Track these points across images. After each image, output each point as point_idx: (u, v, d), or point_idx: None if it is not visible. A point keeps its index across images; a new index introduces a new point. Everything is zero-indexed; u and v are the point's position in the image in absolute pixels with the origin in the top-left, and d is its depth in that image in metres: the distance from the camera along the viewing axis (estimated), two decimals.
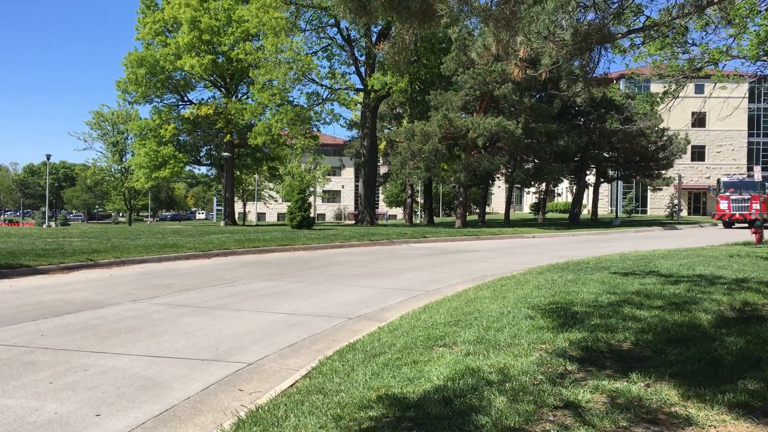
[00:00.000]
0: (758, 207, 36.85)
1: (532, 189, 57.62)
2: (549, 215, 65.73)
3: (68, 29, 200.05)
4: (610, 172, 51.33)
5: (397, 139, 40.24)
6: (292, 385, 5.81)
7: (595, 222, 48.75)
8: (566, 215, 60.22)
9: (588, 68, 10.44)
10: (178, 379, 6.32)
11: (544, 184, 53.81)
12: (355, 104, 44.50)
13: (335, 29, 40.70)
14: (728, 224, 40.14)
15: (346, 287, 13.01)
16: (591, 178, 53.34)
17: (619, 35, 10.82)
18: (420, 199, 67.51)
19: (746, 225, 37.89)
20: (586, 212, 62.15)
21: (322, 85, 41.26)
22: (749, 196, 38.66)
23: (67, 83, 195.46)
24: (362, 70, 41.29)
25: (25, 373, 6.35)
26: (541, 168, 40.61)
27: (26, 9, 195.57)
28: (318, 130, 46.79)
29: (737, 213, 39.28)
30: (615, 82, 42.53)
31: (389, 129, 53.00)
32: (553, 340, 6.62)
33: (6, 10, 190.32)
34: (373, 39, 39.28)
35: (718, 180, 42.54)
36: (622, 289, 10.08)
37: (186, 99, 52.13)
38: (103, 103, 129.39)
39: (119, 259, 15.88)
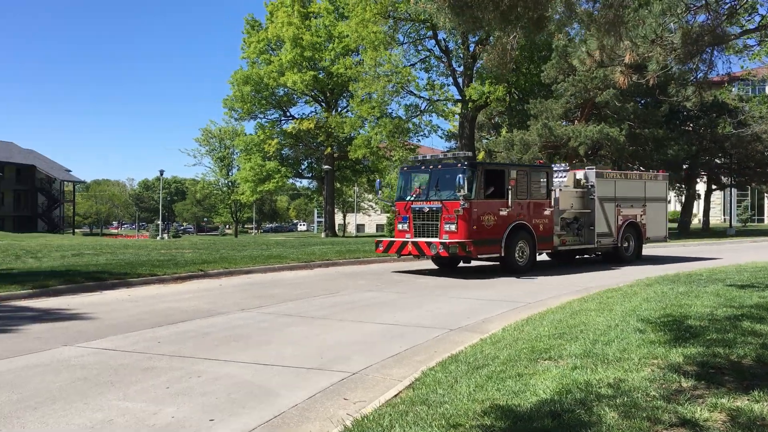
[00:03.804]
0: None
1: None
2: None
3: (179, 51, 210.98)
4: (723, 179, 48.73)
5: (495, 149, 39.84)
6: (395, 396, 5.84)
7: (707, 232, 46.40)
8: (675, 225, 57.66)
9: (700, 71, 9.97)
10: (285, 386, 6.49)
11: None
12: (453, 115, 44.43)
13: (433, 41, 40.88)
14: None
15: (447, 298, 12.98)
16: (701, 186, 50.81)
17: (733, 36, 10.30)
18: None
19: None
20: (696, 222, 59.25)
21: (420, 97, 41.50)
22: None
23: (179, 102, 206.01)
24: (460, 80, 41.20)
25: (144, 378, 6.70)
26: None
27: (144, 39, 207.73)
28: (417, 142, 47.04)
29: None
30: (727, 84, 40.40)
31: (487, 139, 52.55)
32: (666, 355, 6.35)
33: (124, 38, 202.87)
34: (471, 49, 39.16)
35: None
36: (739, 303, 9.54)
37: (288, 114, 53.72)
38: (211, 120, 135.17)
39: (227, 269, 16.50)
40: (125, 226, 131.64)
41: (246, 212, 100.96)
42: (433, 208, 16.87)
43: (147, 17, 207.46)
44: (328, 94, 50.53)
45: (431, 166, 17.68)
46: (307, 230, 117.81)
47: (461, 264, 18.56)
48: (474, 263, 18.57)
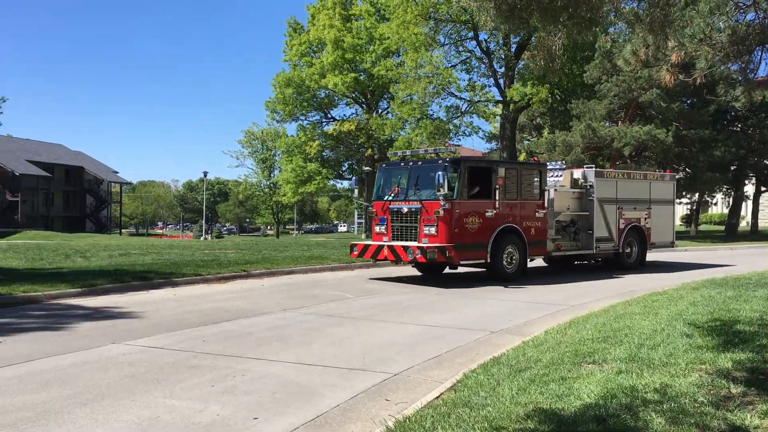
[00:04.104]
0: None
1: (684, 200, 54.33)
2: (702, 227, 61.65)
3: (223, 54, 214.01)
4: None
5: (537, 151, 39.47)
6: (437, 397, 5.84)
7: (756, 234, 45.17)
8: (721, 227, 56.22)
9: (749, 71, 9.74)
10: (327, 386, 6.54)
11: (696, 195, 50.63)
12: (494, 116, 44.13)
13: (474, 42, 40.67)
14: None
15: (489, 300, 12.92)
16: (750, 188, 49.49)
17: None
18: None
19: None
20: (744, 224, 57.74)
21: (461, 98, 41.31)
22: None
23: (222, 104, 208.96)
24: (501, 81, 40.90)
25: (190, 377, 6.82)
26: (694, 178, 38.27)
27: (189, 42, 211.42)
28: (458, 144, 46.89)
29: None
30: None
31: (529, 140, 52.09)
32: (715, 360, 6.22)
33: (170, 41, 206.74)
34: (512, 50, 38.86)
35: None
36: None
37: (329, 116, 54.04)
38: (253, 122, 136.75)
39: (269, 270, 16.68)
40: (170, 226, 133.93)
41: (287, 213, 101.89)
42: (412, 209, 15.47)
43: (191, 22, 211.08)
44: (369, 96, 50.69)
45: (411, 163, 16.34)
46: (347, 231, 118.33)
47: (447, 270, 17.12)
48: (462, 269, 16.70)
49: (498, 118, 43.46)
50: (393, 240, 15.83)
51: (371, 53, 46.00)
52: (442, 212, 14.73)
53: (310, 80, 47.42)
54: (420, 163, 16.15)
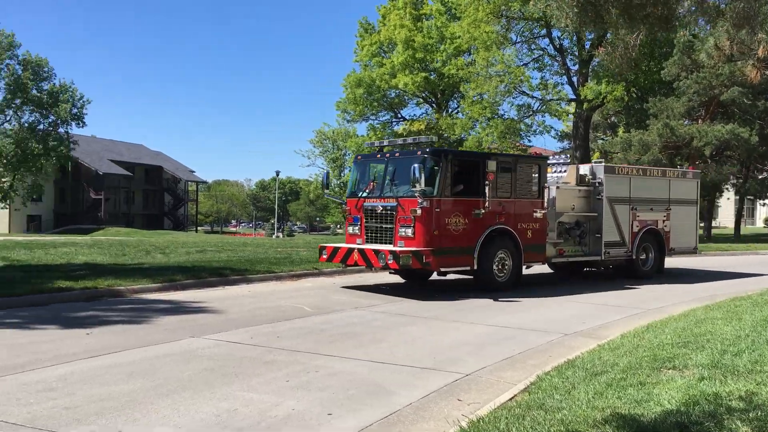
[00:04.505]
0: None
1: None
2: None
3: (293, 55, 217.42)
4: None
5: (612, 150, 38.51)
6: (511, 399, 5.79)
7: None
8: (724, 230, 53.59)
9: None
10: (399, 384, 6.58)
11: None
12: (567, 115, 43.32)
13: (546, 39, 40.04)
14: None
15: (564, 302, 12.72)
16: None
17: None
18: None
19: None
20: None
21: (532, 97, 40.73)
22: None
23: (294, 104, 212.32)
24: (574, 79, 40.13)
25: (266, 371, 6.97)
26: None
27: (260, 43, 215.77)
28: (528, 143, 46.23)
29: None
30: None
31: (603, 140, 50.89)
32: None
33: (242, 42, 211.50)
34: (586, 47, 38.06)
35: None
36: None
37: (399, 116, 54.19)
38: (324, 122, 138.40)
39: (340, 268, 16.85)
40: (243, 224, 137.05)
41: None
42: (387, 207, 13.50)
43: (264, 21, 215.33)
44: (439, 96, 50.58)
45: (389, 155, 14.28)
46: None
47: (435, 276, 14.79)
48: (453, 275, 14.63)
49: (571, 116, 42.68)
50: (367, 242, 13.87)
51: (442, 52, 45.87)
52: (419, 211, 12.75)
53: (381, 80, 47.67)
54: (397, 154, 14.12)
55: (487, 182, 13.42)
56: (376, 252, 12.92)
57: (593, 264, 16.94)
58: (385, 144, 15.08)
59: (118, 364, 7.13)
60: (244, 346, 8.15)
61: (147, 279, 13.28)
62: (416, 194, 12.56)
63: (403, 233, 13.02)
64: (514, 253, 13.97)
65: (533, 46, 40.46)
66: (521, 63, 39.92)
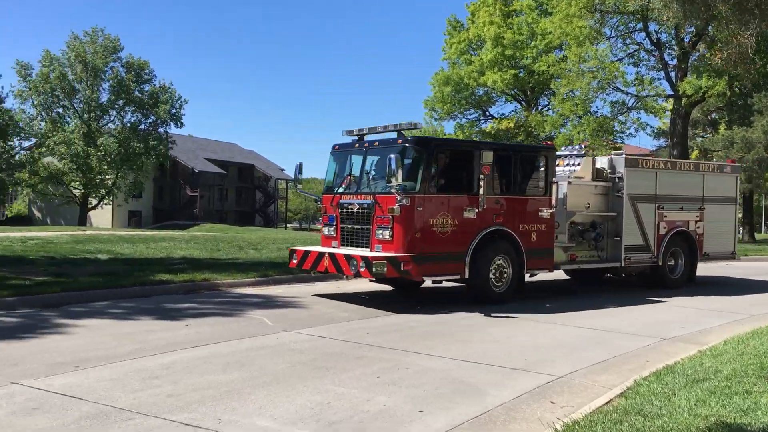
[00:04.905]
0: None
1: None
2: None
3: (379, 54, 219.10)
4: None
5: (712, 148, 36.91)
6: (606, 403, 5.63)
7: None
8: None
9: None
10: (490, 384, 6.52)
11: None
12: (663, 112, 41.71)
13: (642, 33, 38.66)
14: None
15: (663, 306, 12.29)
16: None
17: None
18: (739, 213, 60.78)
19: None
20: None
21: (627, 93, 39.40)
22: None
23: (380, 103, 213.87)
24: (672, 74, 38.55)
25: (356, 366, 7.06)
26: None
27: (345, 42, 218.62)
28: (621, 141, 44.80)
29: None
30: None
31: (703, 137, 48.76)
32: None
33: (327, 40, 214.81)
34: (686, 40, 36.51)
35: None
36: None
37: (487, 114, 53.66)
38: (412, 122, 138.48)
39: None
40: None
41: None
42: (364, 206, 11.65)
43: (347, 21, 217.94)
44: (529, 93, 49.79)
45: (368, 144, 12.37)
46: None
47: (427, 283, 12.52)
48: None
49: (668, 113, 41.05)
50: (343, 245, 12.08)
51: (532, 49, 45.13)
52: (398, 210, 10.89)
53: (469, 78, 47.37)
54: (377, 143, 12.21)
55: (482, 176, 11.52)
56: (348, 258, 11.08)
57: (612, 270, 14.72)
58: (364, 131, 12.75)
59: (216, 355, 7.39)
60: (334, 342, 8.29)
61: (241, 274, 13.71)
62: (393, 190, 10.77)
63: (380, 236, 11.16)
64: (515, 259, 11.99)
65: (628, 41, 39.15)
66: (615, 58, 38.70)
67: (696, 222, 15.29)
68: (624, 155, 14.36)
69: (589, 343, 8.76)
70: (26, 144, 56.33)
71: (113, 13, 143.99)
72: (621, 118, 40.80)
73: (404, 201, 10.86)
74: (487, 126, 51.66)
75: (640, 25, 37.53)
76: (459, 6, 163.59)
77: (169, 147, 58.71)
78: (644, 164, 14.71)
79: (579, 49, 36.00)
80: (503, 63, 46.06)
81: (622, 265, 13.97)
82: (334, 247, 12.15)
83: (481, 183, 11.51)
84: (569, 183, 13.49)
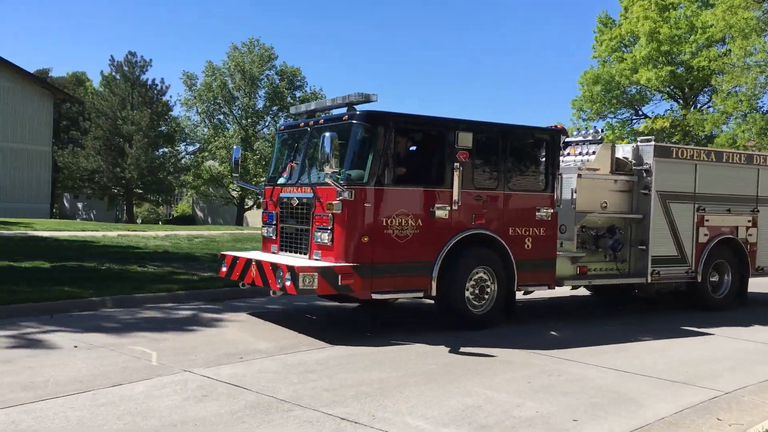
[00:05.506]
0: None
1: None
2: None
3: (522, 55, 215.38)
4: None
5: None
6: None
7: None
8: None
9: None
10: (647, 396, 6.27)
11: None
12: None
13: None
14: None
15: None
16: None
17: None
18: None
19: None
20: None
21: None
22: None
23: (522, 104, 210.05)
24: None
25: (504, 371, 7.02)
26: None
27: (488, 41, 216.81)
28: None
29: None
30: None
31: None
32: None
33: (468, 40, 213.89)
34: None
35: None
36: None
37: (640, 113, 51.25)
38: (558, 122, 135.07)
39: None
40: None
41: None
42: (303, 200, 9.12)
43: (495, 27, 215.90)
44: (686, 90, 46.98)
45: (312, 122, 9.67)
46: None
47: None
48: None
49: None
50: (282, 250, 9.57)
51: (691, 44, 42.59)
52: (339, 207, 8.38)
53: (620, 76, 45.47)
54: (322, 121, 9.54)
55: (457, 164, 8.83)
56: (275, 267, 8.47)
57: (640, 287, 11.69)
58: (311, 107, 10.39)
59: (367, 354, 7.62)
60: (475, 346, 8.18)
61: None
62: (330, 180, 8.23)
63: (319, 239, 8.67)
64: (502, 272, 9.27)
65: None
66: None
67: (748, 228, 12.19)
68: (653, 144, 11.21)
69: (762, 356, 8.16)
70: (191, 149, 60.72)
71: (270, 21, 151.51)
72: None
73: (346, 195, 8.32)
74: (640, 126, 49.34)
75: None
76: (607, 3, 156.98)
77: None
78: (680, 154, 11.65)
79: (744, 42, 33.58)
80: (658, 59, 43.84)
81: (649, 280, 10.96)
82: (273, 252, 9.70)
83: (456, 173, 8.85)
84: (579, 176, 10.51)
